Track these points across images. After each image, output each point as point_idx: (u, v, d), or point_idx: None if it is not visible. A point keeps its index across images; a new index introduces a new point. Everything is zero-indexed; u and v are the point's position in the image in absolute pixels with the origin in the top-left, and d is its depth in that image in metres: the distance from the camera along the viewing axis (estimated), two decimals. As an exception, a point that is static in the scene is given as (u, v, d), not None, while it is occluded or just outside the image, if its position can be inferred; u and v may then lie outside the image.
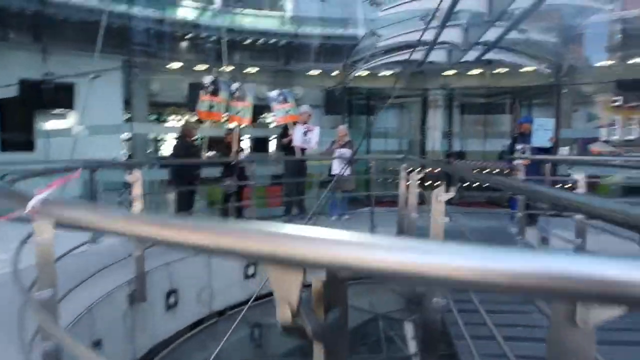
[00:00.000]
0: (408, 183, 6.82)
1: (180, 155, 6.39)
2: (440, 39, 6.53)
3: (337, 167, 7.73)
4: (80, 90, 10.03)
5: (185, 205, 6.43)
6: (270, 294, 4.47)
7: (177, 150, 6.60)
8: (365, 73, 10.17)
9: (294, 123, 7.69)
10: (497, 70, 11.69)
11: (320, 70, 12.62)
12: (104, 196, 10.49)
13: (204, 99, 6.92)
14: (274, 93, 7.79)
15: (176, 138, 6.81)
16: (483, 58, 8.11)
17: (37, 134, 9.40)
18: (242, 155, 7.04)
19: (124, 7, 10.89)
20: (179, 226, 0.97)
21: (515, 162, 6.83)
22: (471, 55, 7.74)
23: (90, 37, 9.58)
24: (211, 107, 6.98)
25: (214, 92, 7.01)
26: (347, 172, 7.81)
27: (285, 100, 7.81)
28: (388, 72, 12.37)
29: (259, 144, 13.41)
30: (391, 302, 7.02)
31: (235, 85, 7.28)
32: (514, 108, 9.47)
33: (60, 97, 9.76)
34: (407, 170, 6.98)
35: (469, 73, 11.84)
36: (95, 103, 9.45)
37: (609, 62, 9.99)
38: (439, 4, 4.42)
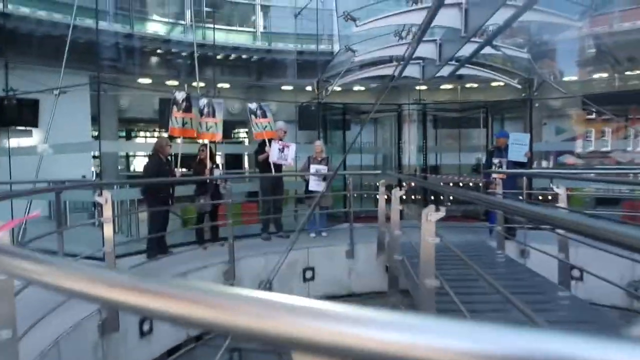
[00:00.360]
0: (387, 198, 6.79)
1: (152, 173, 6.14)
2: (415, 55, 6.54)
3: (314, 184, 7.62)
4: (45, 106, 9.66)
5: (159, 225, 6.18)
6: None
7: (149, 167, 6.35)
8: (339, 88, 10.16)
9: (270, 140, 7.56)
10: (469, 85, 11.90)
11: (293, 86, 12.58)
12: (72, 217, 10.13)
13: (177, 116, 6.74)
14: (253, 105, 7.66)
15: (149, 155, 6.56)
16: (446, 74, 8.23)
17: (-1, 152, 8.97)
18: (216, 172, 6.84)
19: (91, 22, 10.60)
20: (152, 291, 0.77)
21: (493, 176, 6.87)
22: (445, 71, 7.79)
23: (56, 52, 9.27)
24: (184, 123, 6.80)
25: (187, 109, 6.84)
26: (324, 188, 7.72)
27: (263, 115, 7.68)
28: (362, 87, 12.44)
29: (234, 161, 13.19)
30: None
31: (203, 101, 7.12)
32: (486, 122, 9.60)
33: (23, 113, 9.36)
34: (384, 185, 6.95)
35: (442, 87, 12.01)
36: (62, 120, 9.07)
37: (579, 77, 10.32)
38: (424, 20, 4.39)
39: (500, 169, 7.05)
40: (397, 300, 5.09)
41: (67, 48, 9.01)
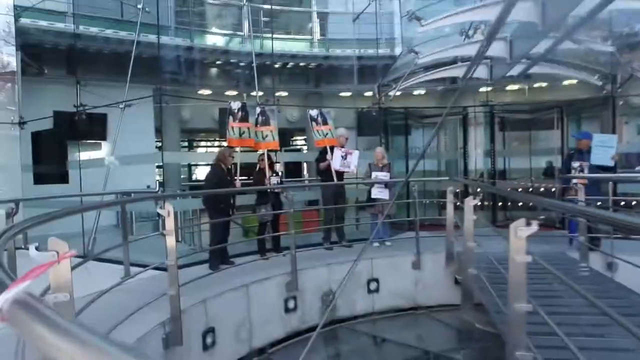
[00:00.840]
0: (456, 205, 6.39)
1: (214, 184, 6.10)
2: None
3: (377, 191, 7.34)
4: (113, 120, 10.02)
5: (220, 236, 6.12)
6: (313, 329, 4.00)
7: (211, 177, 6.32)
8: (399, 93, 9.82)
9: (331, 147, 7.37)
10: (537, 85, 11.18)
11: (352, 92, 12.36)
12: (138, 226, 10.41)
13: (233, 126, 6.72)
14: (313, 112, 7.50)
15: (211, 165, 6.54)
16: (516, 74, 7.68)
17: (70, 165, 9.35)
18: (274, 181, 6.70)
19: (153, 37, 10.91)
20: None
21: (573, 181, 6.28)
22: (516, 70, 7.28)
23: (121, 67, 9.60)
24: (242, 133, 6.75)
25: (243, 118, 6.80)
26: (387, 195, 7.42)
27: (324, 122, 7.49)
28: (422, 91, 12.02)
29: (293, 169, 13.14)
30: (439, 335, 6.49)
31: (257, 110, 7.03)
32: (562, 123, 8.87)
33: (93, 127, 9.76)
34: (453, 193, 6.55)
35: (508, 88, 11.36)
36: (127, 133, 9.37)
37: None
38: (498, 16, 4.03)
39: (581, 174, 6.43)
40: (471, 316, 4.70)
41: (131, 63, 9.31)
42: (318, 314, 6.26)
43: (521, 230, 2.51)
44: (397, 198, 8.28)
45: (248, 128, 6.80)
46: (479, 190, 8.36)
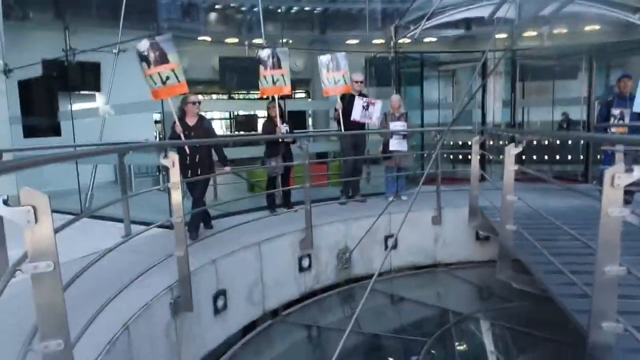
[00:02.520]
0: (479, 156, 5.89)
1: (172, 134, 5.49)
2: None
3: (395, 142, 6.81)
4: (106, 68, 9.34)
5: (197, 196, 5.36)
6: (329, 288, 3.52)
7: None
8: (409, 40, 9.09)
9: (343, 95, 6.76)
10: (556, 31, 10.44)
11: (359, 39, 11.58)
12: (136, 182, 9.91)
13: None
14: (324, 58, 6.83)
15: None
16: (547, 14, 7.00)
17: (61, 116, 8.76)
18: (286, 130, 6.13)
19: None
20: None
21: (613, 130, 5.75)
22: (548, 9, 6.61)
23: (113, 11, 8.84)
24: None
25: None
26: (405, 147, 6.91)
27: (337, 68, 6.83)
28: (434, 38, 11.27)
29: (297, 119, 12.53)
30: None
31: (266, 52, 6.36)
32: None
33: (85, 77, 9.09)
34: (479, 143, 6.02)
35: (525, 35, 10.62)
36: (121, 80, 8.71)
37: None
38: None
39: (620, 122, 5.87)
40: (507, 275, 4.29)
41: (123, 4, 8.57)
42: (334, 273, 5.88)
43: (619, 178, 2.01)
44: (412, 149, 7.79)
45: (282, 75, 6.22)
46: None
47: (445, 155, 9.62)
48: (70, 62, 8.24)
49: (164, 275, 3.66)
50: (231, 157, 5.86)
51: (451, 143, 9.96)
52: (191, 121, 5.26)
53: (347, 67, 6.70)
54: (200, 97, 6.24)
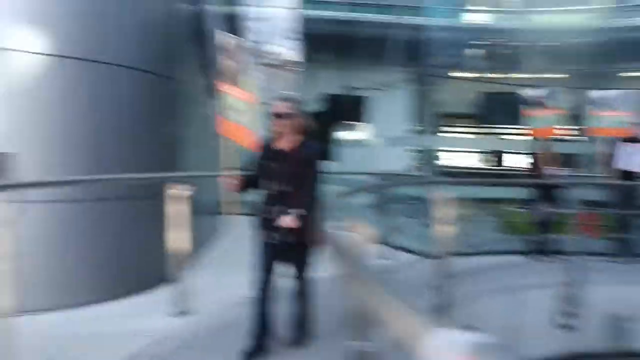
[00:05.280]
0: None
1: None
2: None
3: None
4: (372, 102, 10.26)
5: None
6: (593, 355, 2.95)
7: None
8: None
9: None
10: None
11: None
12: (392, 208, 10.54)
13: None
14: (596, 94, 6.25)
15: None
16: None
17: (335, 143, 9.98)
18: (558, 174, 5.73)
19: (411, 18, 10.75)
20: None
21: None
22: None
23: (381, 51, 9.68)
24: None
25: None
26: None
27: (610, 107, 6.14)
28: None
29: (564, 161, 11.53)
30: None
31: (535, 92, 6.08)
32: None
33: (356, 109, 10.15)
34: None
35: None
36: (385, 115, 9.50)
37: None
38: None
39: None
40: None
41: (390, 47, 9.32)
42: (602, 338, 5.16)
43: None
44: None
45: (553, 114, 6.09)
46: None
47: None
48: (345, 97, 9.43)
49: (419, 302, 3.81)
50: (484, 196, 5.81)
51: None
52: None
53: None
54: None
